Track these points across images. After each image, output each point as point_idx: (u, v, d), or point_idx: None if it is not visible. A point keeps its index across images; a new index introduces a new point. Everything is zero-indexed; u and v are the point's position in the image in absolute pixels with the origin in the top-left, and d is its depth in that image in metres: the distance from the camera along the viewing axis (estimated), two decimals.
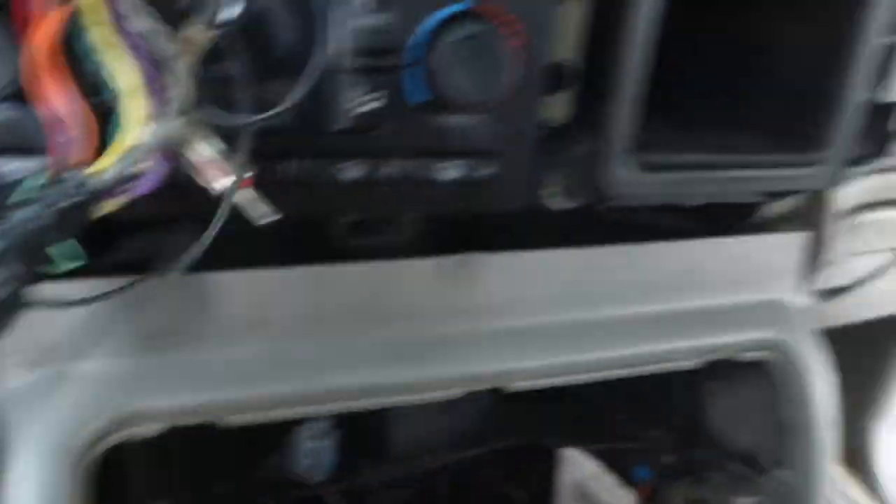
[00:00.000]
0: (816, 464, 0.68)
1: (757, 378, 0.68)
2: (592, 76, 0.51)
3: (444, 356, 0.50)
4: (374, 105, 0.43)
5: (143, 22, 0.31)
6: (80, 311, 0.44)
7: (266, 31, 0.39)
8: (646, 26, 0.46)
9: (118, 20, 0.31)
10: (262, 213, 0.37)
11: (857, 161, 0.60)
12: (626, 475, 0.73)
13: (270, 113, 0.37)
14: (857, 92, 0.53)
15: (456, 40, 0.42)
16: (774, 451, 0.70)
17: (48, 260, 0.31)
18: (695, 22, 0.56)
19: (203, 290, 0.47)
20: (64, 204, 0.30)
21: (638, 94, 0.48)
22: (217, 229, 0.37)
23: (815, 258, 0.69)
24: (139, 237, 0.50)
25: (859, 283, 0.73)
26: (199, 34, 0.33)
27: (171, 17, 0.33)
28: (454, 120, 0.45)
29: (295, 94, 0.37)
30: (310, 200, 0.44)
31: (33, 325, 0.44)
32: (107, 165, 0.31)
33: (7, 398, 0.44)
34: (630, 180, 0.51)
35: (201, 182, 0.35)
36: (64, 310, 0.44)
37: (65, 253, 0.32)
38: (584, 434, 0.75)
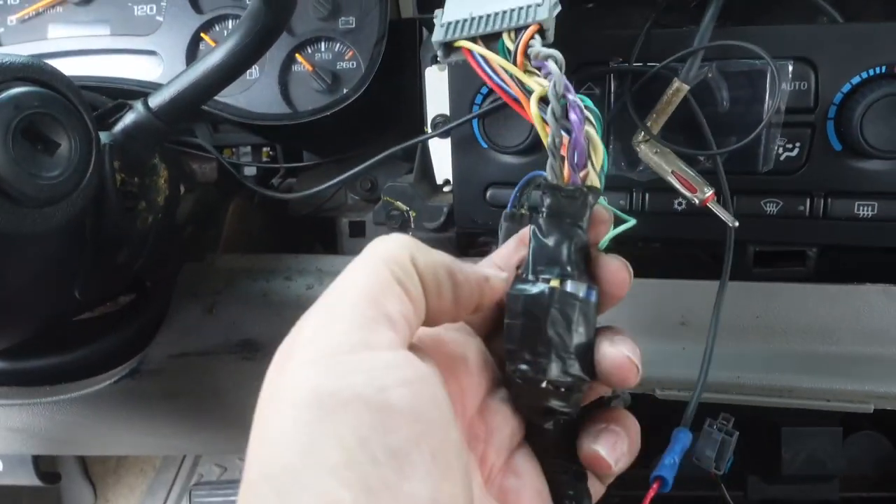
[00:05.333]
0: None
1: None
2: None
3: (852, 372, 0.56)
4: (795, 152, 0.55)
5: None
6: None
7: (711, 92, 0.54)
8: None
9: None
10: (729, 218, 0.51)
11: None
12: None
13: (727, 150, 0.51)
14: None
15: (873, 98, 0.51)
16: None
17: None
18: None
19: (639, 293, 0.62)
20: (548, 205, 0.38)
21: None
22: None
23: None
24: None
25: None
26: (679, 88, 0.50)
27: None
28: (869, 164, 0.54)
29: (744, 141, 0.51)
30: (741, 228, 0.55)
31: None
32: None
33: None
34: None
35: (685, 193, 0.51)
36: None
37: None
38: None
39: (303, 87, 0.78)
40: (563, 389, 0.37)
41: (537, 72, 0.40)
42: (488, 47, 0.42)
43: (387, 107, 0.78)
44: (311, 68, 0.77)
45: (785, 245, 0.60)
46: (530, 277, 0.37)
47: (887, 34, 0.52)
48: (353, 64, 0.77)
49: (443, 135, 0.63)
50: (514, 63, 0.41)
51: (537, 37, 0.41)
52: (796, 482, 0.73)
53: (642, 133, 0.53)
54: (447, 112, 0.64)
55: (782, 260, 0.64)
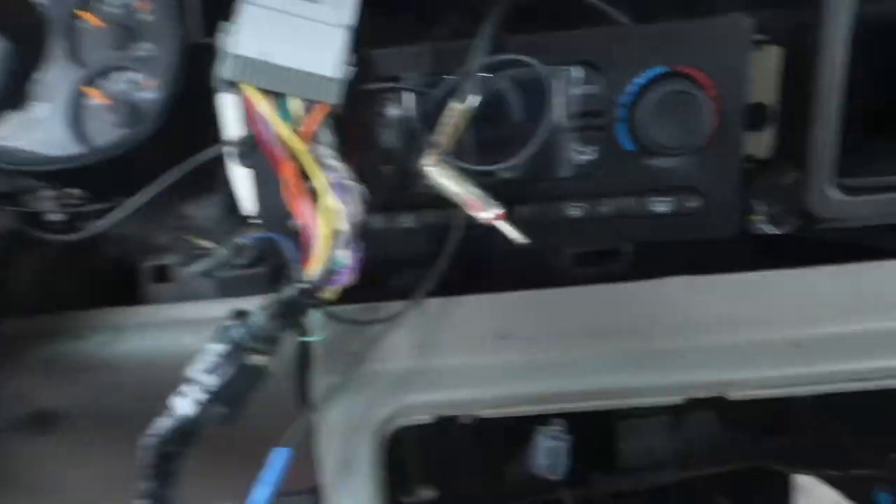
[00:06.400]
0: None
1: None
2: (791, 111, 0.57)
3: (665, 366, 0.57)
4: (591, 155, 0.55)
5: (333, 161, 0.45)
6: (370, 330, 0.60)
7: (502, 104, 0.53)
8: (835, 64, 0.52)
9: (318, 159, 0.45)
10: (516, 237, 0.50)
11: None
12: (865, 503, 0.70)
13: (507, 164, 0.51)
14: None
15: (656, 97, 0.52)
16: None
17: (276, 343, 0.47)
18: None
19: (455, 310, 0.60)
20: (287, 299, 0.46)
21: (834, 125, 0.53)
22: (452, 253, 0.51)
23: None
24: (405, 273, 0.65)
25: None
26: (457, 111, 0.49)
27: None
28: (661, 162, 0.55)
29: (527, 150, 0.50)
30: (542, 235, 0.55)
31: (342, 341, 0.60)
32: (314, 268, 0.45)
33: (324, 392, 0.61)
34: (834, 205, 0.55)
35: (471, 213, 0.49)
36: (360, 330, 0.60)
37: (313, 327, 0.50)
38: (818, 460, 0.73)
39: (98, 123, 0.71)
40: None
41: (321, 162, 0.44)
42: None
43: (190, 136, 0.73)
44: (105, 101, 0.70)
45: (596, 246, 0.61)
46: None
47: (667, 34, 0.53)
48: (152, 94, 0.72)
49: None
50: (298, 135, 0.44)
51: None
52: (635, 472, 0.74)
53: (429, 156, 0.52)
54: None
55: (601, 259, 0.65)
